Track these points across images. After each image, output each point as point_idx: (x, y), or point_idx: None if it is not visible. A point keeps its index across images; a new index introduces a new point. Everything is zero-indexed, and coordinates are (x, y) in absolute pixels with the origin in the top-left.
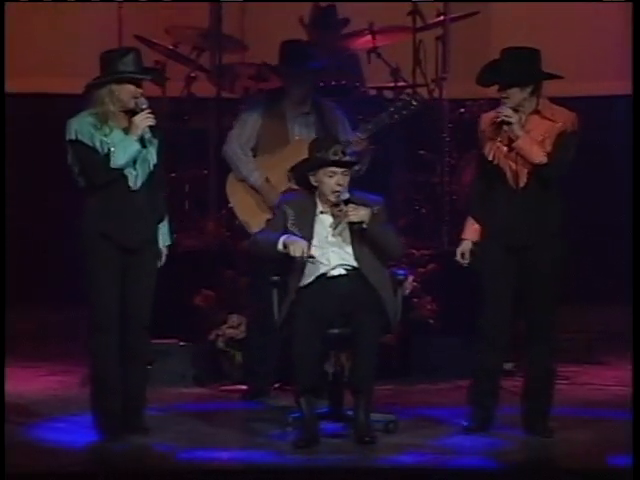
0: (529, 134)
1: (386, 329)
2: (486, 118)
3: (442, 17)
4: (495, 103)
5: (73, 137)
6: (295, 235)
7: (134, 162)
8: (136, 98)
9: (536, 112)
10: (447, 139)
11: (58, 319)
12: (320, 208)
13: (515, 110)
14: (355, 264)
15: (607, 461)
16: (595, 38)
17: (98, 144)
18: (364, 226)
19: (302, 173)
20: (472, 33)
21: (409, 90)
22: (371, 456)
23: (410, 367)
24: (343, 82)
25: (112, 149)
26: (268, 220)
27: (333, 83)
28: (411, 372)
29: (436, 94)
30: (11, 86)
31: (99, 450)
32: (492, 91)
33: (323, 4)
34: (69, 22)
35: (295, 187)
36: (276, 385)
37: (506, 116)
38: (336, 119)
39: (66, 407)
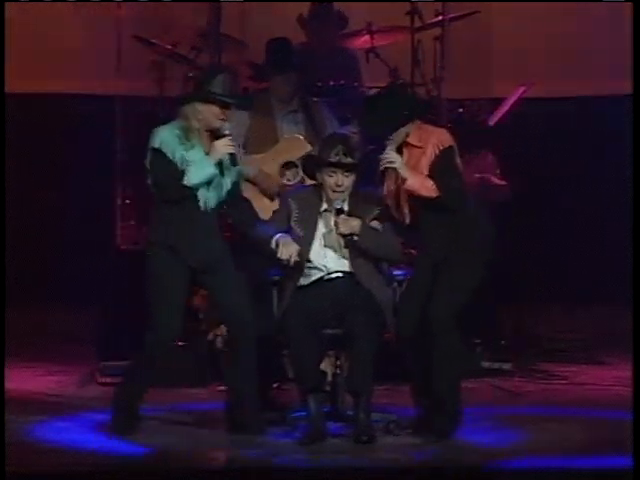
0: (413, 170)
1: (383, 329)
2: None
3: (440, 17)
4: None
5: (156, 146)
6: (297, 232)
7: (208, 184)
8: (222, 120)
9: (405, 143)
10: None
11: (56, 319)
12: (325, 206)
13: (401, 146)
14: (351, 269)
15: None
16: (593, 37)
17: (178, 158)
18: (355, 238)
19: (307, 169)
20: (471, 33)
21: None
22: (370, 456)
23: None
24: (341, 82)
25: (188, 167)
26: (274, 211)
27: (332, 83)
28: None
29: (435, 94)
30: (10, 86)
31: (97, 450)
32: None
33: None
34: (66, 22)
35: (288, 182)
36: (274, 385)
37: (389, 162)
38: (324, 117)
39: (64, 407)
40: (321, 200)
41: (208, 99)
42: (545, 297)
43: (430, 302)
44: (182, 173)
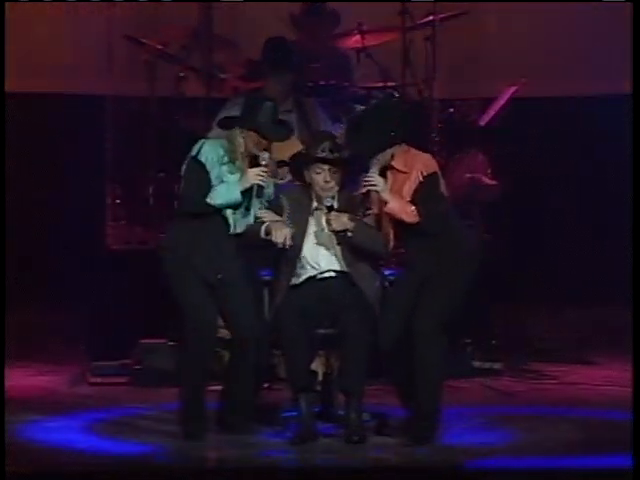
0: (395, 194)
1: (374, 325)
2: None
3: (431, 17)
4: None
5: (197, 156)
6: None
7: (235, 208)
8: (263, 150)
9: (389, 167)
10: (436, 139)
11: (46, 319)
12: (315, 204)
13: (385, 168)
14: (344, 268)
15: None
16: (583, 38)
17: (216, 175)
18: (348, 234)
19: (294, 169)
20: (461, 33)
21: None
22: (361, 456)
23: None
24: (332, 82)
25: (216, 187)
26: (266, 209)
27: (322, 83)
28: None
29: (426, 94)
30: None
31: (88, 450)
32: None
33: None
34: (56, 22)
35: (280, 181)
36: (265, 385)
37: (372, 185)
38: (317, 117)
39: (55, 407)
40: (311, 199)
41: (251, 127)
42: (536, 297)
43: (416, 316)
44: (210, 189)
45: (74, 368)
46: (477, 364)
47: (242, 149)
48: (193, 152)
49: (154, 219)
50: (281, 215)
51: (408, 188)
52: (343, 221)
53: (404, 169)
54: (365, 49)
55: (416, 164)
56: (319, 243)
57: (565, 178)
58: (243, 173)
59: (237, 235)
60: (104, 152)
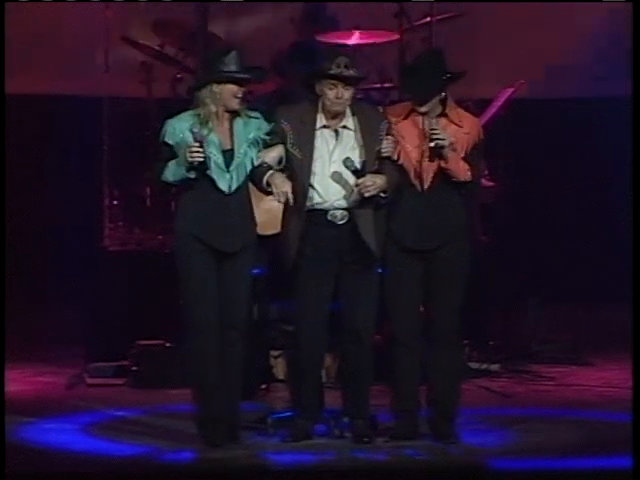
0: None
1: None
2: (394, 112)
3: (428, 18)
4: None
5: (162, 139)
6: (295, 155)
7: (227, 166)
8: (239, 99)
9: (443, 115)
10: None
11: (44, 320)
12: (323, 122)
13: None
14: (351, 204)
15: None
16: (579, 39)
17: (184, 149)
18: (382, 195)
19: (307, 82)
20: (458, 34)
21: None
22: (358, 457)
23: None
24: None
25: (168, 164)
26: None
27: None
28: None
29: None
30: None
31: (85, 452)
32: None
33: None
34: (51, 23)
35: None
36: (263, 386)
37: (440, 139)
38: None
39: (52, 409)
40: (316, 118)
41: (224, 79)
42: (533, 298)
43: (436, 307)
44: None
45: (72, 369)
46: (474, 365)
47: (215, 109)
48: (160, 135)
49: (151, 221)
50: (285, 142)
51: (466, 144)
52: (379, 184)
53: (459, 122)
54: (362, 50)
55: (472, 123)
56: (327, 172)
57: (563, 179)
58: (220, 135)
59: (241, 194)
60: (101, 153)
